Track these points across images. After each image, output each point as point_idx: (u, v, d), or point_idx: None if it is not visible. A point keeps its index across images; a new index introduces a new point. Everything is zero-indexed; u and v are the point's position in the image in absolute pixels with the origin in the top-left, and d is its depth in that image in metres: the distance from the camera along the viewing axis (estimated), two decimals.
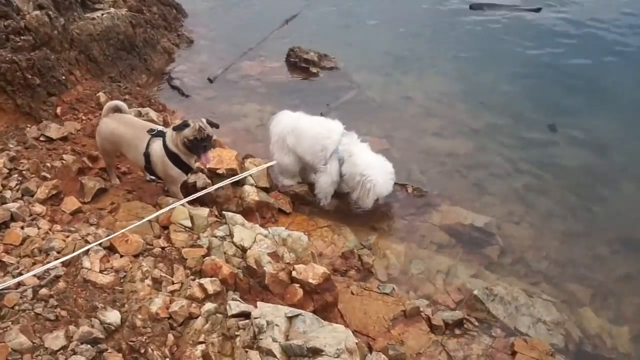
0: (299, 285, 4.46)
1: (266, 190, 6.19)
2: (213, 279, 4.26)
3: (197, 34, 10.42)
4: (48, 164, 5.49)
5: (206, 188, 5.70)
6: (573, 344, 4.88)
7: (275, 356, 3.48)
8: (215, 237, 4.75)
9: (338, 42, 10.04)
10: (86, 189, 5.28)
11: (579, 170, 6.95)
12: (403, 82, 8.86)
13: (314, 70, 9.19)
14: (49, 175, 5.31)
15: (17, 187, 4.99)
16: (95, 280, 4.09)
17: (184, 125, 4.85)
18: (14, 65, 6.17)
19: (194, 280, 4.27)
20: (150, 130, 5.09)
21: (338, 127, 6.13)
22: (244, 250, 4.62)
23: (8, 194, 4.86)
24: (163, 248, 4.61)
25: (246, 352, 3.60)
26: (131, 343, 3.69)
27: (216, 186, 5.68)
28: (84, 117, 6.53)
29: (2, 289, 3.81)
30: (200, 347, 3.71)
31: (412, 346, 4.59)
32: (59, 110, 6.47)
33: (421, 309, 4.95)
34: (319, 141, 6.06)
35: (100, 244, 4.41)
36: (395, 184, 6.44)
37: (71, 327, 3.68)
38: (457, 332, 4.84)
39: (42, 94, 6.43)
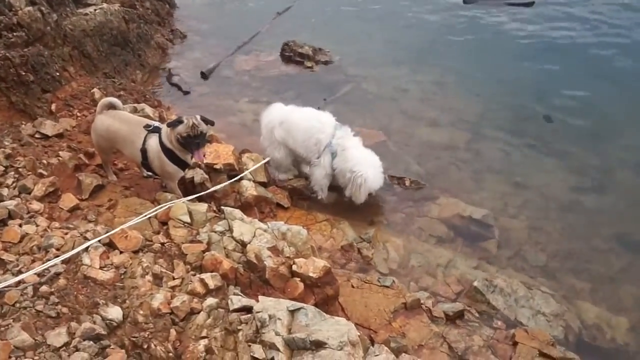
0: (299, 279, 4.47)
1: (264, 185, 6.21)
2: (214, 274, 4.27)
3: (190, 28, 10.42)
4: (44, 161, 5.48)
5: (204, 183, 5.73)
6: (573, 335, 4.92)
7: (278, 350, 3.49)
8: (215, 232, 4.75)
9: (332, 35, 10.06)
10: (83, 186, 5.27)
11: (576, 162, 6.98)
12: (398, 75, 8.88)
13: (308, 64, 9.20)
14: (45, 173, 5.31)
15: (14, 184, 4.98)
16: (96, 277, 4.09)
17: (178, 121, 4.85)
18: (7, 62, 6.14)
19: (194, 275, 4.27)
20: (147, 126, 5.08)
21: (330, 120, 6.17)
22: (243, 245, 4.62)
23: (5, 191, 4.85)
24: (162, 244, 4.61)
25: (249, 346, 3.61)
26: (134, 339, 3.70)
27: (220, 186, 5.75)
28: (79, 114, 6.52)
29: (3, 287, 3.82)
30: (203, 342, 3.72)
31: (413, 338, 4.62)
32: (53, 107, 6.45)
33: (422, 301, 4.98)
34: (312, 135, 6.09)
35: (99, 241, 4.41)
36: (392, 177, 6.50)
37: (73, 324, 3.69)
38: (458, 323, 4.87)
39: (36, 91, 6.41)
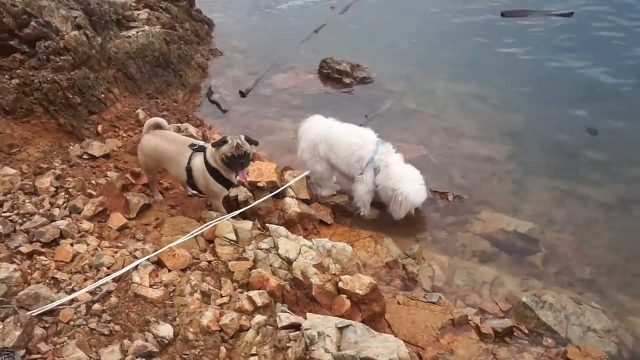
0: (346, 296, 4.47)
1: (307, 202, 6.25)
2: (261, 291, 4.30)
3: (229, 47, 10.58)
4: (93, 181, 5.61)
5: (248, 201, 5.78)
6: (627, 351, 4.81)
7: None
8: (260, 249, 4.78)
9: (368, 51, 10.10)
10: (131, 205, 5.38)
11: (621, 175, 6.86)
12: (437, 89, 8.88)
13: (347, 80, 9.23)
14: (94, 193, 5.43)
15: (65, 204, 5.11)
16: (146, 295, 4.16)
17: (223, 141, 4.92)
18: (55, 85, 6.33)
19: (242, 293, 4.31)
20: (192, 145, 5.17)
21: (372, 136, 6.19)
22: (289, 262, 4.65)
23: (56, 211, 4.98)
24: (209, 262, 4.67)
25: None
26: (185, 356, 3.75)
27: (261, 200, 5.79)
28: (124, 134, 6.66)
29: (57, 305, 3.91)
30: (253, 359, 3.76)
31: (462, 355, 4.57)
32: (100, 128, 6.60)
33: (469, 318, 4.93)
34: (354, 151, 6.11)
35: (148, 259, 4.50)
36: (435, 192, 6.47)
37: (125, 341, 3.75)
38: (508, 340, 4.81)
39: (83, 113, 6.57)
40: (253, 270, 4.54)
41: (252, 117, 8.42)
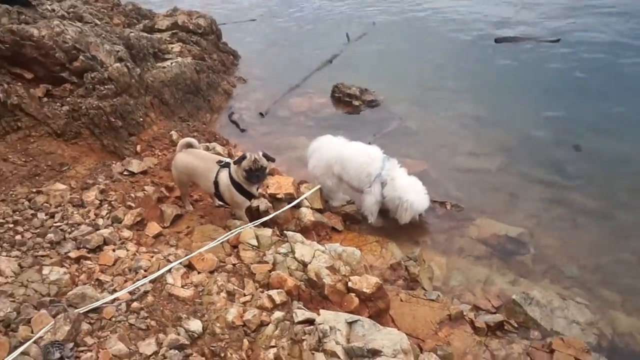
0: (354, 294, 4.50)
1: (320, 211, 6.27)
2: (279, 290, 4.34)
3: (251, 75, 10.67)
4: (132, 195, 5.68)
5: (268, 211, 5.83)
6: (606, 342, 4.76)
7: (339, 357, 3.53)
8: (279, 253, 4.82)
9: (376, 77, 10.11)
10: (165, 215, 5.44)
11: (603, 185, 6.82)
12: (437, 111, 8.87)
13: (356, 103, 9.25)
14: (133, 205, 5.50)
15: (108, 215, 5.19)
16: (178, 294, 4.22)
17: (242, 158, 4.99)
18: (100, 110, 6.44)
19: (262, 292, 4.34)
20: (219, 162, 5.25)
21: (379, 153, 6.22)
22: (304, 264, 4.68)
23: (100, 221, 5.06)
24: (234, 265, 4.72)
25: (313, 354, 3.66)
26: (212, 348, 3.78)
27: (281, 211, 5.84)
28: (159, 153, 6.73)
29: (102, 304, 3.98)
30: (272, 351, 3.78)
31: (458, 347, 4.57)
32: (138, 147, 6.69)
33: (465, 313, 4.92)
34: (364, 169, 6.15)
35: (180, 263, 4.56)
36: (435, 201, 6.48)
37: (160, 335, 3.81)
38: (499, 333, 4.80)
39: (124, 135, 6.67)
40: (272, 272, 4.58)
41: (272, 136, 8.47)
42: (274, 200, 6.09)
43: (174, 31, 10.51)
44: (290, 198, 6.14)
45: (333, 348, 3.58)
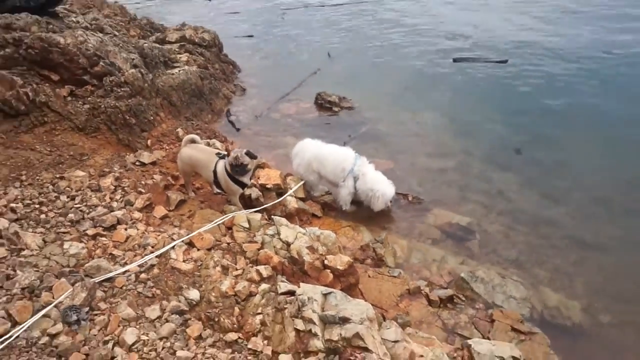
0: (329, 270, 4.51)
1: (303, 199, 6.25)
2: (266, 266, 4.34)
3: (248, 83, 10.57)
4: (142, 182, 5.62)
5: (259, 199, 5.80)
6: (537, 314, 4.84)
7: (315, 323, 3.54)
8: (267, 235, 4.82)
9: (352, 87, 10.04)
10: (171, 200, 5.39)
11: (539, 182, 6.89)
12: (403, 118, 8.85)
13: (335, 109, 9.22)
14: (143, 190, 5.44)
15: (121, 199, 5.13)
16: (180, 268, 4.20)
17: (227, 155, 5.04)
18: (116, 109, 6.35)
19: (252, 267, 4.34)
20: (218, 154, 5.22)
21: (351, 152, 6.26)
22: (288, 244, 4.68)
23: (115, 204, 5.00)
24: (228, 243, 4.70)
25: (293, 320, 3.66)
26: (208, 314, 3.78)
27: (275, 202, 5.85)
28: (167, 147, 6.65)
29: (114, 275, 3.94)
30: (259, 317, 3.79)
31: (415, 316, 4.62)
32: (149, 142, 6.60)
33: (421, 288, 4.97)
34: (338, 165, 6.16)
35: (182, 241, 4.54)
36: (399, 193, 6.51)
37: (164, 302, 3.79)
38: (449, 305, 4.85)
39: (137, 130, 6.58)
40: (261, 250, 4.58)
41: (264, 135, 8.41)
42: (264, 189, 6.06)
43: (182, 43, 10.37)
44: (277, 188, 6.13)
45: (310, 315, 3.59)
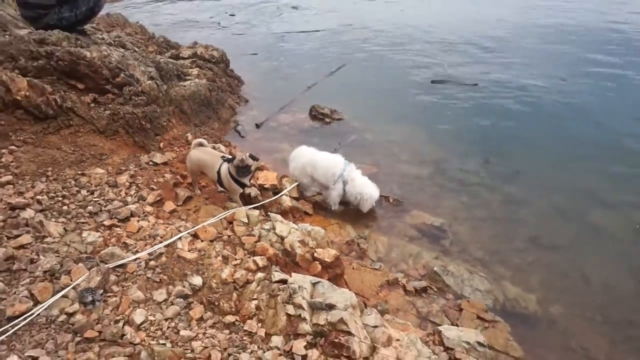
0: (318, 262, 4.49)
1: (296, 199, 6.22)
2: (262, 257, 4.30)
3: (251, 95, 10.50)
4: (155, 180, 5.56)
5: (257, 197, 5.77)
6: (499, 305, 4.84)
7: (304, 309, 3.52)
8: (263, 229, 4.78)
9: (343, 101, 10.02)
10: (179, 197, 5.34)
11: (504, 189, 6.91)
12: (387, 129, 8.83)
13: (327, 120, 9.19)
14: (155, 187, 5.38)
15: (135, 194, 5.07)
16: (185, 257, 4.15)
17: (234, 158, 4.97)
18: (133, 115, 6.29)
19: (249, 257, 4.31)
20: (222, 157, 5.18)
21: (341, 159, 6.25)
22: (282, 238, 4.65)
23: (129, 199, 4.94)
24: (229, 236, 4.66)
25: (284, 306, 3.63)
26: (209, 298, 3.74)
27: (272, 199, 5.80)
28: (177, 149, 6.59)
29: (127, 261, 3.88)
30: (254, 302, 3.76)
31: (393, 304, 4.60)
32: (161, 144, 6.53)
33: (399, 279, 4.95)
34: (329, 169, 6.14)
35: (188, 233, 4.48)
36: (381, 196, 6.49)
37: (170, 287, 3.75)
38: (423, 295, 4.84)
39: (151, 134, 6.51)
40: (258, 243, 4.54)
41: (263, 141, 8.36)
42: (262, 189, 6.03)
43: (193, 59, 10.30)
44: (274, 188, 6.10)
45: (300, 302, 3.57)
